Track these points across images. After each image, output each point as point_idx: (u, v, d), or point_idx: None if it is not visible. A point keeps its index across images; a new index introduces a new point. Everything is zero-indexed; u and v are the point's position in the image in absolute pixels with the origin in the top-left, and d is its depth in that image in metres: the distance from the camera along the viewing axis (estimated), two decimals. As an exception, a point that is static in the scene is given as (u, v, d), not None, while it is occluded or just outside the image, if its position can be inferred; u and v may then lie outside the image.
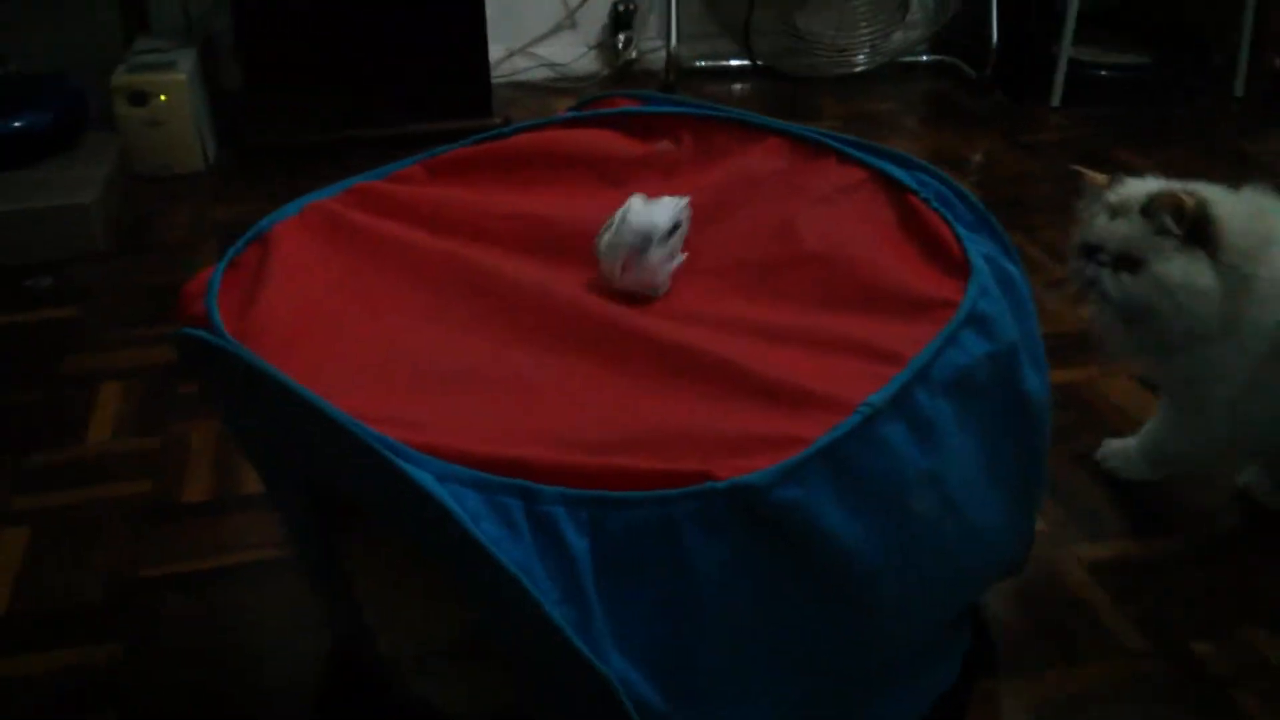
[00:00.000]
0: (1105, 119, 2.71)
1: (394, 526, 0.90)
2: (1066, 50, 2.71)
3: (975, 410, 0.96)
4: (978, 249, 1.01)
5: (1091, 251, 1.27)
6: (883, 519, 0.87)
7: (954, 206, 1.06)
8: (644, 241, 1.02)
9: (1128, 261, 1.24)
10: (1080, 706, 1.14)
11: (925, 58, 3.05)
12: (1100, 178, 1.30)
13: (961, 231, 1.03)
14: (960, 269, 0.99)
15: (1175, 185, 1.25)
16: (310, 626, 1.25)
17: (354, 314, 1.02)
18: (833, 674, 0.94)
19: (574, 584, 0.78)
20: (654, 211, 1.04)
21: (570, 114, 1.27)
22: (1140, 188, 1.26)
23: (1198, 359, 1.28)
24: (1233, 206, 1.24)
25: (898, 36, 2.94)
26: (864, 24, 2.92)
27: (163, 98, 2.36)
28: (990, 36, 2.85)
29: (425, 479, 0.77)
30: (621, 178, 1.20)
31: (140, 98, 2.35)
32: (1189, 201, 1.21)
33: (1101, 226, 1.26)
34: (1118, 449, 1.47)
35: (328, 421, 0.80)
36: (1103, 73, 2.80)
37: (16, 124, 2.19)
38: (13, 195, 2.10)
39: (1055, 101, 2.78)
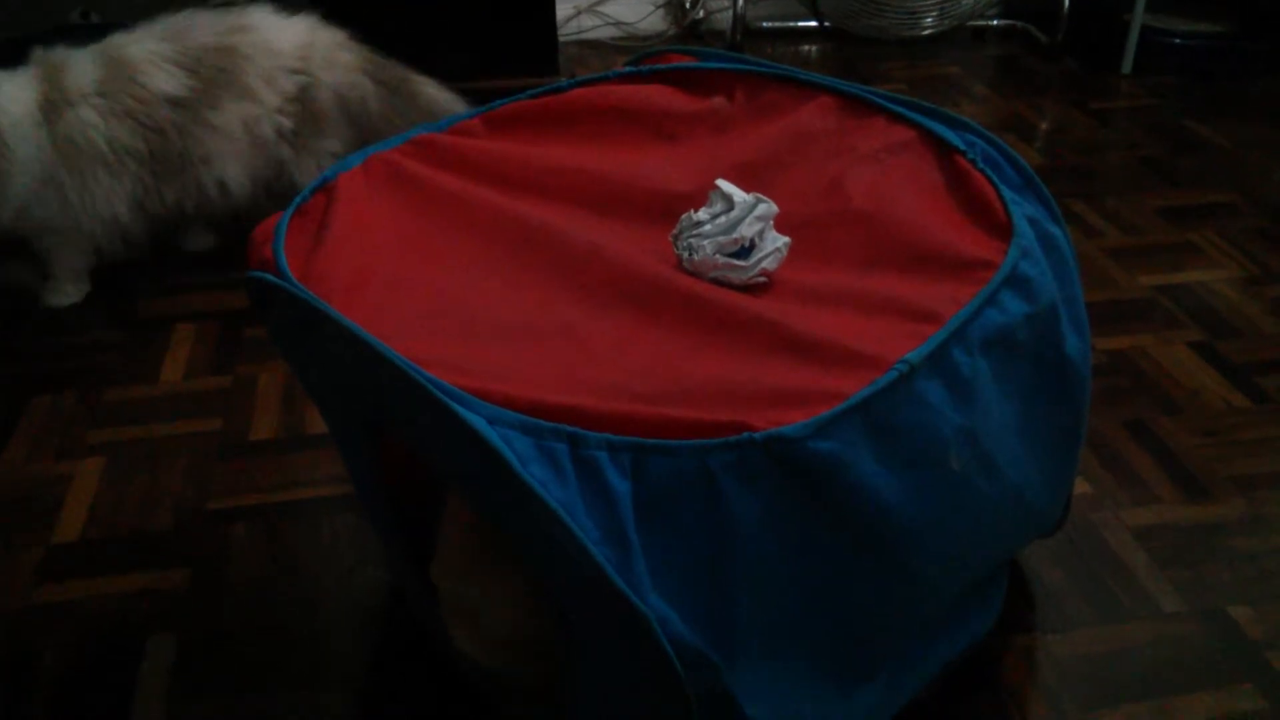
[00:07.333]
0: (1177, 88, 2.66)
1: (444, 469, 0.93)
2: (1140, 17, 2.65)
3: (1013, 370, 0.97)
4: (1022, 211, 1.02)
5: None
6: (918, 474, 0.89)
7: (1000, 168, 1.07)
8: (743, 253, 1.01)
9: None
10: (1113, 664, 1.16)
11: (995, 22, 3.01)
12: None
13: (1006, 193, 1.03)
14: (1004, 231, 1.00)
15: None
16: (369, 561, 1.30)
17: (412, 262, 1.04)
18: (867, 625, 0.95)
19: (615, 525, 0.79)
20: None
21: (627, 69, 1.29)
22: None
23: None
24: None
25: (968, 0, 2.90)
26: (934, -14, 2.89)
27: (237, 49, 2.39)
28: (1062, 1, 2.81)
29: (478, 422, 0.79)
30: (675, 133, 1.22)
31: (216, 49, 2.38)
32: None
33: None
34: None
35: (386, 365, 0.83)
36: (1176, 41, 2.75)
37: (98, 73, 2.23)
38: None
39: (1126, 69, 2.72)
